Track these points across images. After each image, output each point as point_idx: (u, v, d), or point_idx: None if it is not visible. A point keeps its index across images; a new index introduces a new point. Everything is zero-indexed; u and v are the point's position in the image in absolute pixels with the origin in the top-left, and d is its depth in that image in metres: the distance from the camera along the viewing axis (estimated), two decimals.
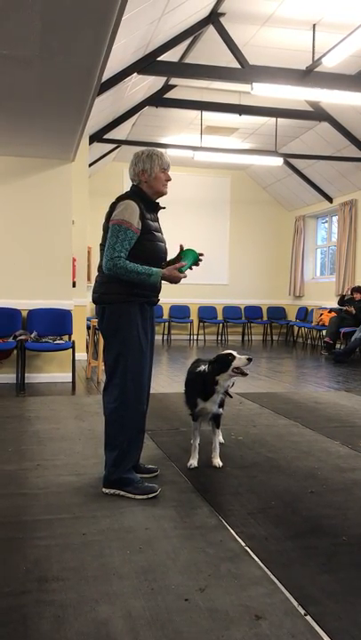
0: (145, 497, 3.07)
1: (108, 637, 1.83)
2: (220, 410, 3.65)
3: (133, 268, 3.00)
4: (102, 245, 3.18)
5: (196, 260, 3.26)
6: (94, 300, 3.21)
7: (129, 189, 3.26)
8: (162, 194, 3.25)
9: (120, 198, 3.15)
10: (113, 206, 3.14)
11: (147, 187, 3.19)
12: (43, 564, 2.31)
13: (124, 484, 3.11)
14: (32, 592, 2.10)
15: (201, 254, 3.33)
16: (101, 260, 3.15)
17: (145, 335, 3.18)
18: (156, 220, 3.29)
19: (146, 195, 3.18)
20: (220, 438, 3.81)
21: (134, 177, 3.22)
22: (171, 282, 3.14)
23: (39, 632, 1.86)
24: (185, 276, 3.17)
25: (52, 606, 2.01)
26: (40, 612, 1.97)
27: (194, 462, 3.63)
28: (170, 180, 3.26)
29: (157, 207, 3.27)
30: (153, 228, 3.17)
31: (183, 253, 3.27)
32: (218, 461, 3.65)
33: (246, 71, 6.95)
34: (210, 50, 7.86)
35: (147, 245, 3.10)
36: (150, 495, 3.09)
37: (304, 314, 13.23)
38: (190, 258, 3.23)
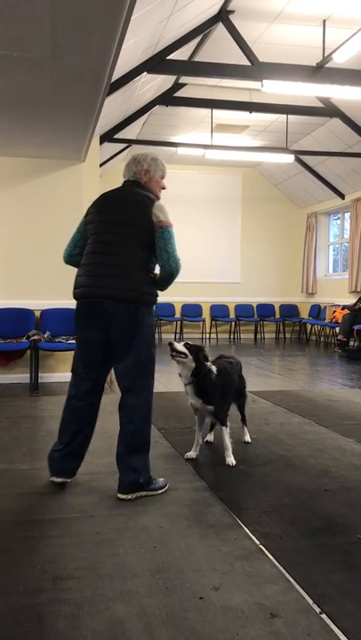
0: (163, 490, 3.13)
1: (123, 636, 1.84)
2: (209, 407, 3.61)
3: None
4: (123, 239, 3.10)
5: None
6: (118, 297, 3.04)
7: (133, 187, 3.27)
8: (155, 196, 3.30)
9: (148, 198, 3.19)
10: (137, 199, 3.16)
11: (143, 184, 3.26)
12: (58, 563, 2.32)
13: (148, 484, 3.12)
14: (47, 591, 2.11)
15: None
16: (131, 257, 3.09)
17: None
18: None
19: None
20: (229, 437, 3.72)
21: (134, 175, 3.28)
22: None
23: (55, 630, 1.87)
24: None
25: (68, 604, 2.02)
26: (56, 610, 1.98)
27: (191, 454, 3.72)
28: (165, 188, 3.39)
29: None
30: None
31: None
32: (230, 460, 3.64)
33: (256, 68, 6.92)
34: (219, 48, 7.84)
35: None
36: (165, 488, 3.15)
37: (317, 311, 13.16)
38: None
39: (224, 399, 3.73)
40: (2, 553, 2.42)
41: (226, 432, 3.70)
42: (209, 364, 3.64)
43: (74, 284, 3.24)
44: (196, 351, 3.54)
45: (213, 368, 3.65)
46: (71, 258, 3.35)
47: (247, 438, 4.14)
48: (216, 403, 3.63)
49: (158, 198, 3.30)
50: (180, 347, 3.52)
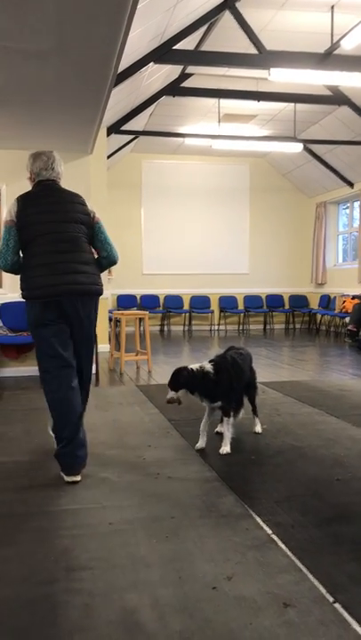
0: None
1: (136, 625, 1.85)
2: (217, 404, 3.68)
3: None
4: (77, 237, 3.35)
5: None
6: (90, 292, 3.34)
7: (61, 187, 3.58)
8: None
9: (79, 195, 3.52)
10: (69, 198, 3.45)
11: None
12: (71, 554, 2.33)
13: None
14: (61, 581, 2.13)
15: None
16: (86, 253, 3.38)
17: None
18: None
19: None
20: (226, 427, 3.75)
21: (58, 175, 3.57)
22: None
23: (69, 620, 1.88)
24: None
25: (81, 595, 2.03)
26: (69, 600, 1.99)
27: (200, 444, 3.75)
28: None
29: None
30: None
31: None
32: (224, 449, 3.64)
33: (264, 57, 6.87)
34: (226, 36, 7.78)
35: None
36: None
37: (327, 301, 13.11)
38: None
39: (230, 393, 3.72)
40: (15, 544, 2.43)
41: (227, 422, 3.70)
42: (197, 367, 3.61)
43: (30, 285, 3.27)
44: (178, 383, 3.58)
45: (209, 368, 3.62)
46: (13, 265, 3.35)
47: (258, 429, 4.13)
48: (222, 399, 3.67)
49: None
50: (169, 396, 3.61)
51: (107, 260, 3.49)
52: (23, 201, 3.37)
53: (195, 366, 3.63)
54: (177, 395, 3.59)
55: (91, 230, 3.41)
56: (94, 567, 2.22)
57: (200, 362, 3.69)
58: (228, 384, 3.67)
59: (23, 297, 3.32)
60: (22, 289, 3.32)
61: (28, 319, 3.33)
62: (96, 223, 3.44)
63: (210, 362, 3.68)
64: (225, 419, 3.70)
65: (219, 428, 4.01)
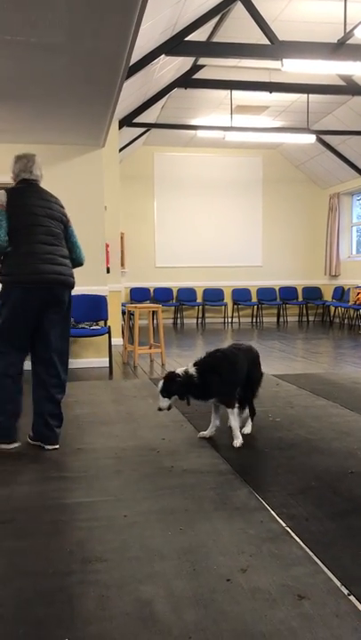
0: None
1: (152, 617, 1.86)
2: (211, 400, 3.71)
3: None
4: (58, 233, 3.69)
5: None
6: (70, 284, 3.69)
7: (39, 185, 3.76)
8: None
9: (56, 197, 3.76)
10: (50, 198, 3.71)
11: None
12: (86, 546, 2.35)
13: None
14: (76, 573, 2.15)
15: None
16: (64, 248, 3.73)
17: None
18: None
19: None
20: (217, 422, 3.86)
21: (39, 177, 3.76)
22: None
23: (85, 611, 1.90)
24: None
25: (97, 586, 2.04)
26: (85, 592, 2.01)
27: (203, 432, 3.87)
28: None
29: None
30: None
31: None
32: (237, 442, 3.65)
33: (276, 47, 6.80)
34: (238, 27, 7.72)
35: None
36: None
37: (341, 293, 13.03)
38: None
39: (222, 388, 3.64)
40: (31, 536, 2.46)
41: (231, 413, 3.68)
42: (182, 370, 3.60)
43: (16, 270, 3.49)
44: (168, 391, 3.59)
45: (193, 372, 3.57)
46: (5, 244, 3.53)
47: (247, 430, 3.93)
48: (215, 396, 3.66)
49: None
50: (161, 405, 3.64)
51: (75, 261, 3.84)
52: (11, 193, 3.60)
53: (180, 370, 3.61)
54: (170, 402, 3.61)
55: (65, 230, 3.76)
56: (109, 559, 2.24)
57: (192, 363, 3.65)
58: (216, 381, 3.60)
59: (3, 281, 3.53)
60: (5, 274, 3.52)
61: (1, 300, 3.56)
62: (70, 226, 3.81)
63: (194, 365, 3.62)
64: (228, 410, 3.68)
65: (229, 422, 3.98)
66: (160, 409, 3.64)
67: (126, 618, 1.86)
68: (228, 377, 3.66)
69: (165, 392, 3.61)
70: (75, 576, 2.12)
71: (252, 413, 4.01)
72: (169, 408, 3.65)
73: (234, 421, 3.68)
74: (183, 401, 3.65)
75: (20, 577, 2.13)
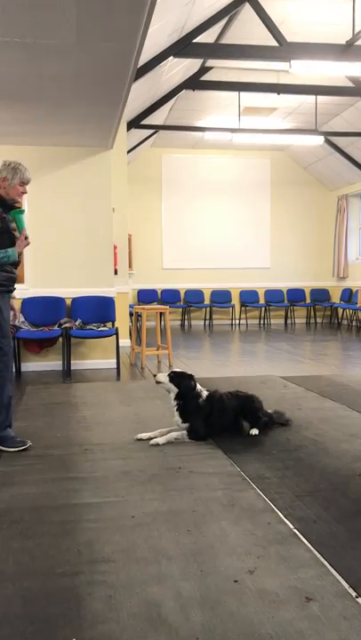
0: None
1: (159, 617, 1.86)
2: (184, 425, 3.86)
3: None
4: None
5: (21, 213, 3.74)
6: None
7: None
8: (15, 202, 3.76)
9: None
10: None
11: (3, 192, 3.68)
12: (94, 546, 2.35)
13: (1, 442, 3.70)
14: (84, 573, 2.15)
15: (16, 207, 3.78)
16: None
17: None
18: (10, 220, 3.72)
19: (2, 198, 3.67)
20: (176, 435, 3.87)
21: None
22: (21, 250, 3.70)
23: (92, 611, 1.90)
24: (27, 236, 3.71)
25: (104, 587, 2.05)
26: (92, 592, 2.01)
27: (149, 435, 3.90)
28: (25, 193, 3.80)
29: (12, 208, 3.75)
30: (9, 227, 3.66)
31: (14, 219, 3.72)
32: (145, 435, 3.86)
33: (284, 49, 6.80)
34: (246, 29, 7.72)
35: (6, 242, 3.61)
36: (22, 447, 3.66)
37: (349, 295, 12.99)
38: (18, 219, 3.71)
39: (202, 422, 3.85)
40: (39, 536, 2.47)
41: (182, 435, 3.82)
42: (199, 388, 3.90)
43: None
44: (179, 379, 3.86)
45: (204, 393, 3.90)
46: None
47: (255, 431, 3.95)
48: (192, 422, 3.84)
49: (17, 202, 3.78)
50: (160, 377, 3.91)
51: None
52: None
53: (199, 385, 3.92)
54: (166, 383, 3.86)
55: None
56: (117, 560, 2.24)
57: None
58: (205, 414, 3.85)
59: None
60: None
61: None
62: None
63: (207, 391, 3.94)
64: (185, 433, 3.84)
65: (251, 432, 3.95)
66: (155, 378, 3.94)
67: (134, 618, 1.86)
68: (215, 418, 3.87)
69: (174, 374, 3.89)
70: (82, 576, 2.13)
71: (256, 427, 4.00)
72: (158, 382, 3.90)
73: (173, 438, 3.81)
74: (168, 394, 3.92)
75: (27, 576, 2.14)
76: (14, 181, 3.66)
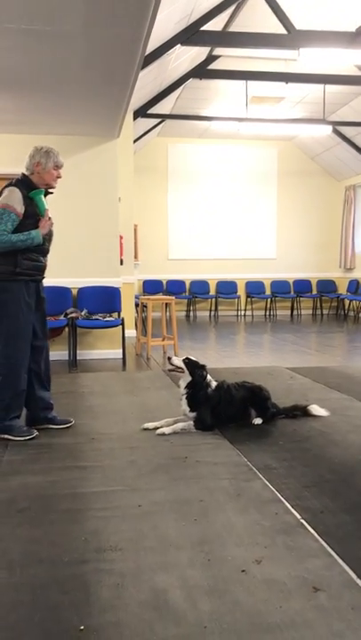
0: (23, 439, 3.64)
1: (166, 605, 1.86)
2: (192, 414, 3.86)
3: (16, 237, 3.50)
4: None
5: (40, 194, 3.68)
6: None
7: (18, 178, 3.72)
8: (51, 186, 3.75)
9: (5, 185, 3.62)
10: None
11: (37, 177, 3.66)
12: (101, 535, 2.36)
13: (9, 430, 3.65)
14: (91, 561, 2.15)
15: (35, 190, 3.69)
16: None
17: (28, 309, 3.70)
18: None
19: (33, 184, 3.66)
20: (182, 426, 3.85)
21: (29, 167, 3.68)
22: (46, 232, 3.66)
23: (100, 599, 1.91)
24: (49, 218, 3.69)
25: (112, 575, 2.05)
26: (100, 580, 2.02)
27: (155, 424, 3.88)
28: (60, 177, 3.77)
29: (46, 193, 3.75)
30: (34, 211, 3.63)
31: (34, 200, 3.67)
32: (152, 424, 3.84)
33: (293, 37, 6.72)
34: (255, 16, 7.64)
35: (30, 226, 3.58)
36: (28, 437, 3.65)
37: (355, 286, 12.93)
38: (38, 199, 3.67)
39: (211, 413, 3.85)
40: (46, 525, 2.47)
41: (188, 426, 3.81)
42: (209, 378, 3.93)
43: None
44: (193, 367, 3.89)
45: (212, 383, 3.94)
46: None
47: (257, 421, 3.98)
48: (200, 411, 3.84)
49: (52, 187, 3.77)
50: (175, 361, 3.93)
51: None
52: None
53: (210, 377, 3.95)
54: (180, 366, 3.88)
55: None
56: (124, 548, 2.25)
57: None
58: (213, 404, 3.86)
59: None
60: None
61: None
62: None
63: (216, 381, 3.98)
64: (191, 424, 3.83)
65: (254, 421, 3.96)
66: (169, 359, 3.95)
67: (141, 606, 1.86)
68: (222, 408, 3.88)
69: (189, 361, 3.91)
70: (90, 564, 2.13)
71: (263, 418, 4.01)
72: (171, 364, 3.93)
73: (180, 428, 3.80)
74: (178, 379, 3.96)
75: (35, 564, 2.14)
76: (49, 165, 3.63)
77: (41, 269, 3.79)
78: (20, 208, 3.53)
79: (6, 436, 3.66)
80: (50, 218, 3.67)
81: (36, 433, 3.72)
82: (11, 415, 3.70)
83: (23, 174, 3.70)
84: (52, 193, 3.79)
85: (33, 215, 3.61)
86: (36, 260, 3.68)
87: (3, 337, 3.65)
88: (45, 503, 2.70)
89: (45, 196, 3.74)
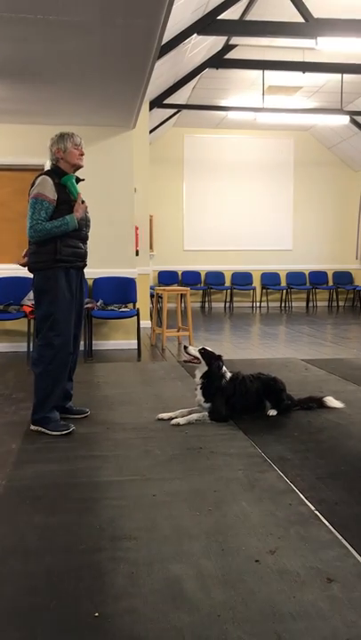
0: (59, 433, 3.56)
1: (181, 594, 1.88)
2: (206, 405, 3.86)
3: (50, 225, 3.52)
4: None
5: (71, 179, 3.67)
6: (30, 269, 3.69)
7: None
8: (78, 166, 3.73)
9: (37, 176, 3.66)
10: (32, 184, 3.66)
11: (63, 163, 3.68)
12: (116, 523, 2.38)
13: (45, 423, 3.60)
14: (106, 549, 2.17)
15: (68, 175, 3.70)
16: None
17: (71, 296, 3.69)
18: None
19: (62, 171, 3.68)
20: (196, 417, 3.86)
21: (52, 157, 3.71)
22: (80, 216, 3.64)
23: (115, 587, 1.93)
24: (83, 201, 3.69)
25: (126, 563, 2.07)
26: (115, 568, 2.04)
27: (170, 415, 3.90)
28: (83, 154, 3.74)
29: (77, 180, 3.73)
30: (67, 198, 3.63)
31: (66, 185, 3.66)
32: (176, 420, 3.80)
33: (311, 25, 6.65)
34: (272, 5, 7.55)
35: (65, 214, 3.58)
36: (65, 432, 3.57)
37: None
38: (71, 184, 3.66)
39: (225, 404, 3.85)
40: (62, 513, 2.50)
41: (203, 417, 3.82)
42: (224, 369, 3.92)
43: None
44: (210, 357, 3.90)
45: (227, 374, 3.93)
46: None
47: (272, 412, 3.98)
48: (214, 402, 3.84)
49: (79, 166, 3.75)
50: (192, 350, 3.94)
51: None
52: None
53: (225, 368, 3.94)
54: (197, 356, 3.88)
55: None
56: (139, 537, 2.26)
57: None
58: (227, 395, 3.86)
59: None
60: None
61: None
62: (29, 201, 3.62)
63: (231, 372, 3.97)
64: (206, 414, 3.83)
65: (269, 413, 3.95)
66: (185, 348, 3.96)
67: (156, 594, 1.88)
68: (236, 399, 3.88)
69: (205, 351, 3.92)
70: (105, 552, 2.15)
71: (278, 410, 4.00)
72: (188, 354, 3.94)
73: (194, 419, 3.81)
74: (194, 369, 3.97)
75: (50, 552, 2.17)
76: (68, 146, 3.65)
77: (81, 256, 3.77)
78: (52, 195, 3.55)
79: (42, 429, 3.60)
80: (83, 202, 3.68)
81: (72, 427, 3.62)
82: (50, 405, 3.64)
83: (52, 164, 3.73)
84: (83, 180, 3.78)
85: (67, 201, 3.61)
86: (75, 246, 3.67)
87: (48, 324, 3.61)
88: (61, 492, 2.73)
89: (77, 182, 3.73)
